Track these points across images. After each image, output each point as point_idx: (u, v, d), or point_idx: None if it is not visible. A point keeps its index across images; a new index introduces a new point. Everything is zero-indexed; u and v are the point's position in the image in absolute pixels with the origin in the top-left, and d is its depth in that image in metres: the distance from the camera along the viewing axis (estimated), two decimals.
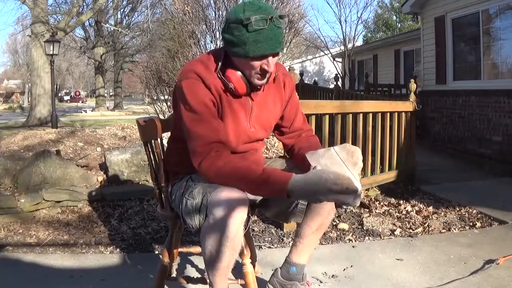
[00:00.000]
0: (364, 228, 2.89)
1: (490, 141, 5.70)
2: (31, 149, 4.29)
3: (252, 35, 1.35)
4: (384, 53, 13.28)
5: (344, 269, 2.20)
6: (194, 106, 1.42)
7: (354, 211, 3.28)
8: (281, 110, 1.65)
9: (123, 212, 3.11)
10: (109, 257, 2.42)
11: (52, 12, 16.61)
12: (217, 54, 1.50)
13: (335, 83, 8.65)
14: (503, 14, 5.83)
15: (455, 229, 2.88)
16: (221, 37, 1.46)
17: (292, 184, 1.30)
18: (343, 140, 3.36)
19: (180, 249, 1.80)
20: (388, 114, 3.87)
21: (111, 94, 38.91)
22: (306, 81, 12.45)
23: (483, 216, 3.11)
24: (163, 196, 1.69)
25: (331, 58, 16.65)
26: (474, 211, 3.21)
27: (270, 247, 2.56)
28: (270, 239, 2.68)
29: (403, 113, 4.01)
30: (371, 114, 3.65)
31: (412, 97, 4.12)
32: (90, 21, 21.66)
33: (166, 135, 1.72)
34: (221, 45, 1.55)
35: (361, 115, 3.57)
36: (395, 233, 2.80)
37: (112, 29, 22.81)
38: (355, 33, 16.71)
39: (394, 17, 24.38)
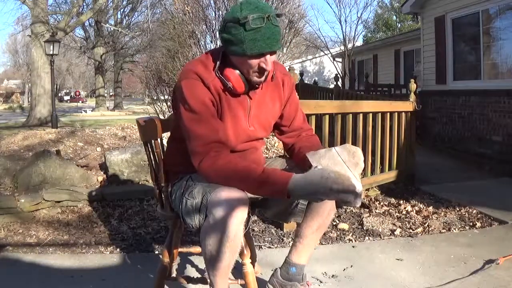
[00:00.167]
0: (364, 228, 2.89)
1: (490, 141, 5.69)
2: (31, 149, 4.29)
3: (249, 34, 1.36)
4: (384, 53, 13.28)
5: (344, 269, 2.20)
6: (193, 106, 1.42)
7: (354, 211, 3.28)
8: (280, 109, 1.65)
9: (123, 212, 3.11)
10: (109, 257, 2.42)
11: (52, 12, 16.62)
12: (216, 54, 1.50)
13: (335, 83, 8.65)
14: (503, 14, 5.83)
15: (455, 229, 2.88)
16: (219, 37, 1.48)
17: (292, 184, 1.30)
18: (343, 140, 3.36)
19: (180, 249, 1.80)
20: (388, 114, 3.87)
21: (111, 94, 38.93)
22: (306, 81, 12.46)
23: (483, 216, 3.11)
24: (163, 196, 1.69)
25: (331, 58, 16.63)
26: (474, 211, 3.21)
27: (270, 247, 2.56)
28: (270, 239, 2.68)
29: (403, 113, 4.02)
30: (371, 114, 3.65)
31: (412, 97, 4.12)
32: (90, 21, 21.67)
33: (166, 135, 1.73)
34: (220, 45, 1.55)
35: (361, 115, 3.57)
36: (395, 233, 2.80)
37: (112, 29, 22.81)
38: (355, 33, 16.71)
39: (394, 17, 24.39)
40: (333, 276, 2.12)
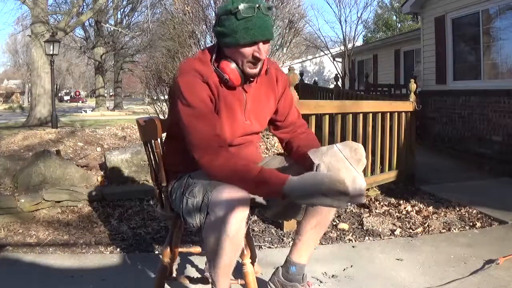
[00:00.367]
0: (364, 228, 2.89)
1: (490, 141, 5.69)
2: (31, 149, 4.29)
3: (241, 23, 1.41)
4: (384, 53, 13.28)
5: (344, 269, 2.20)
6: (192, 101, 1.44)
7: (354, 211, 3.28)
8: (275, 103, 1.68)
9: (123, 212, 3.11)
10: (109, 257, 2.42)
11: (52, 12, 16.60)
12: (211, 49, 1.55)
13: (335, 83, 8.67)
14: (503, 14, 5.83)
15: (455, 229, 2.88)
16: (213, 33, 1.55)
17: (288, 184, 1.33)
18: (343, 140, 3.36)
19: (180, 249, 1.80)
20: (388, 114, 3.87)
21: (111, 94, 38.91)
22: (306, 81, 12.47)
23: (483, 216, 3.11)
24: (163, 196, 1.69)
25: (331, 58, 16.64)
26: (474, 211, 3.21)
27: (270, 247, 2.56)
28: (270, 239, 2.68)
29: (403, 113, 4.02)
30: (371, 114, 3.65)
31: (412, 97, 4.12)
32: (90, 21, 21.65)
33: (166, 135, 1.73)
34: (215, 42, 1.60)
35: (361, 115, 3.57)
36: (395, 233, 2.80)
37: (112, 29, 22.80)
38: (355, 33, 16.72)
39: (394, 17, 24.38)
40: (333, 276, 2.12)
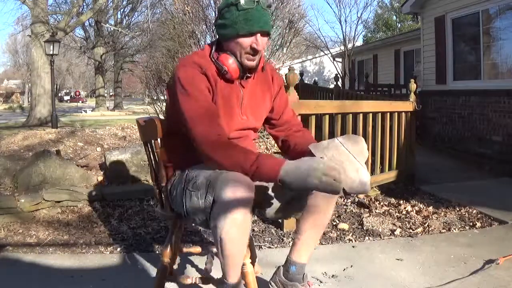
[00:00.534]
0: (364, 228, 2.89)
1: (490, 141, 5.69)
2: (31, 149, 4.29)
3: (241, 14, 1.48)
4: (384, 53, 13.28)
5: (344, 269, 2.20)
6: (190, 91, 1.47)
7: (354, 211, 3.28)
8: (270, 101, 1.72)
9: (123, 212, 3.11)
10: (109, 257, 2.42)
11: (52, 12, 16.59)
12: (210, 44, 1.61)
13: (335, 83, 8.66)
14: (503, 14, 5.83)
15: (455, 229, 2.89)
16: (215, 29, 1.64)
17: (286, 165, 1.35)
18: None
19: (180, 249, 1.80)
20: (388, 114, 3.87)
21: (111, 94, 38.90)
22: (306, 81, 12.47)
23: (483, 216, 3.11)
24: (163, 196, 1.69)
25: (331, 58, 16.64)
26: (474, 211, 3.21)
27: (270, 247, 2.56)
28: (270, 239, 2.68)
29: (403, 113, 4.02)
30: (371, 114, 3.65)
31: (412, 97, 4.12)
32: (90, 21, 21.65)
33: None
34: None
35: (361, 115, 3.57)
36: (395, 233, 2.80)
37: (112, 29, 22.79)
38: (355, 33, 16.72)
39: (394, 17, 24.39)
40: (333, 276, 2.12)
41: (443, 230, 2.87)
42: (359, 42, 17.90)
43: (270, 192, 1.59)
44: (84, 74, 45.70)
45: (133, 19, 25.17)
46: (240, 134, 1.62)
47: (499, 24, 5.93)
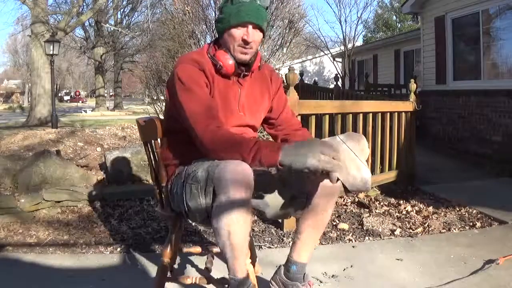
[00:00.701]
0: (364, 228, 2.89)
1: (490, 141, 5.69)
2: (31, 149, 4.29)
3: (235, 7, 1.53)
4: (384, 53, 13.28)
5: (344, 269, 2.20)
6: (189, 86, 1.50)
7: (354, 211, 3.28)
8: (269, 101, 1.73)
9: (123, 212, 3.11)
10: (109, 257, 2.42)
11: (52, 12, 16.58)
12: (209, 43, 1.66)
13: (335, 83, 8.67)
14: (503, 14, 5.83)
15: (455, 229, 2.88)
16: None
17: (285, 147, 1.35)
18: None
19: (180, 249, 1.80)
20: (388, 114, 3.87)
21: (111, 94, 38.90)
22: (306, 81, 12.45)
23: (483, 216, 3.11)
24: (163, 196, 1.69)
25: (331, 58, 16.63)
26: (474, 211, 3.21)
27: (270, 247, 2.56)
28: (270, 239, 2.68)
29: (403, 113, 4.02)
30: (371, 114, 3.65)
31: (412, 97, 4.12)
32: (90, 21, 21.65)
33: None
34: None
35: (361, 115, 3.57)
36: (395, 233, 2.80)
37: (112, 29, 22.79)
38: (355, 33, 16.68)
39: (394, 17, 24.38)
40: (333, 276, 2.12)
41: (443, 230, 2.87)
42: (359, 42, 17.89)
43: (270, 192, 1.59)
44: (84, 74, 45.72)
45: (133, 19, 25.19)
46: (238, 130, 1.62)
47: (499, 24, 5.93)
